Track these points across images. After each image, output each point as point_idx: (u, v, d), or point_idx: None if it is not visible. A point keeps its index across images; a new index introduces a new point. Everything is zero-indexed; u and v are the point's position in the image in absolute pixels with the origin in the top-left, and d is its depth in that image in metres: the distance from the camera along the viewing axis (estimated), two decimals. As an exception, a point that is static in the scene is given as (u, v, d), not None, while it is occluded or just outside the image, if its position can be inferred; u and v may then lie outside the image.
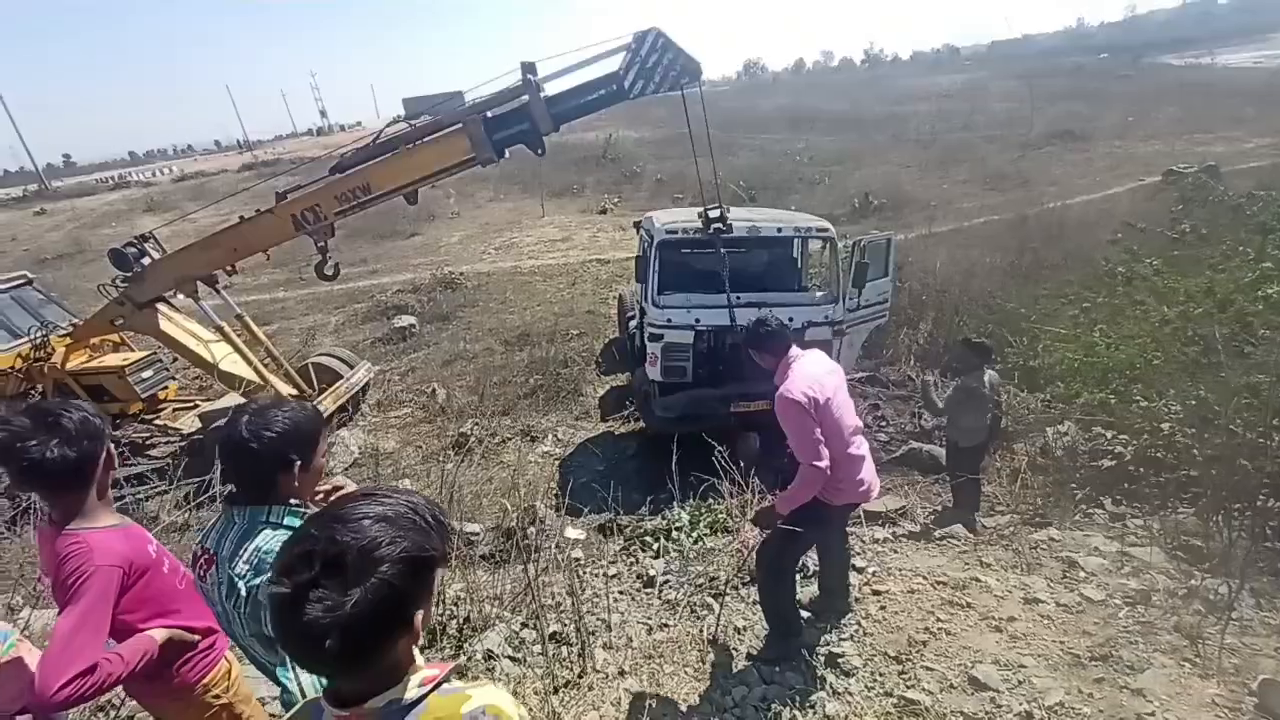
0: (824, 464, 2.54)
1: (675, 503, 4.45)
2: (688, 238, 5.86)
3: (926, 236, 12.25)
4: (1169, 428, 3.82)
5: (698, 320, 5.86)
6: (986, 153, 20.91)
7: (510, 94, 5.02)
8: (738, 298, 5.77)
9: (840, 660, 2.91)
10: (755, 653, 3.00)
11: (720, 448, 4.03)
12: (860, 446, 2.80)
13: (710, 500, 4.41)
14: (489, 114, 5.08)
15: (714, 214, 5.57)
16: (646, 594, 3.26)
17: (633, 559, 4.08)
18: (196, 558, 1.48)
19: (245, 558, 1.37)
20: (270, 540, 1.39)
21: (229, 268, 6.20)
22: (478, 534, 4.75)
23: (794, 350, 2.78)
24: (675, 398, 5.95)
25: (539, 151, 5.25)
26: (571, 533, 4.72)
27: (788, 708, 2.68)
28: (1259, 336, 4.07)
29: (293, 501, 1.49)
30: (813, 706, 2.70)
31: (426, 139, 5.27)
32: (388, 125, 5.66)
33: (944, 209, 15.61)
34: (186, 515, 4.05)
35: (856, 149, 23.47)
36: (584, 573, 3.80)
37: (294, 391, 7.14)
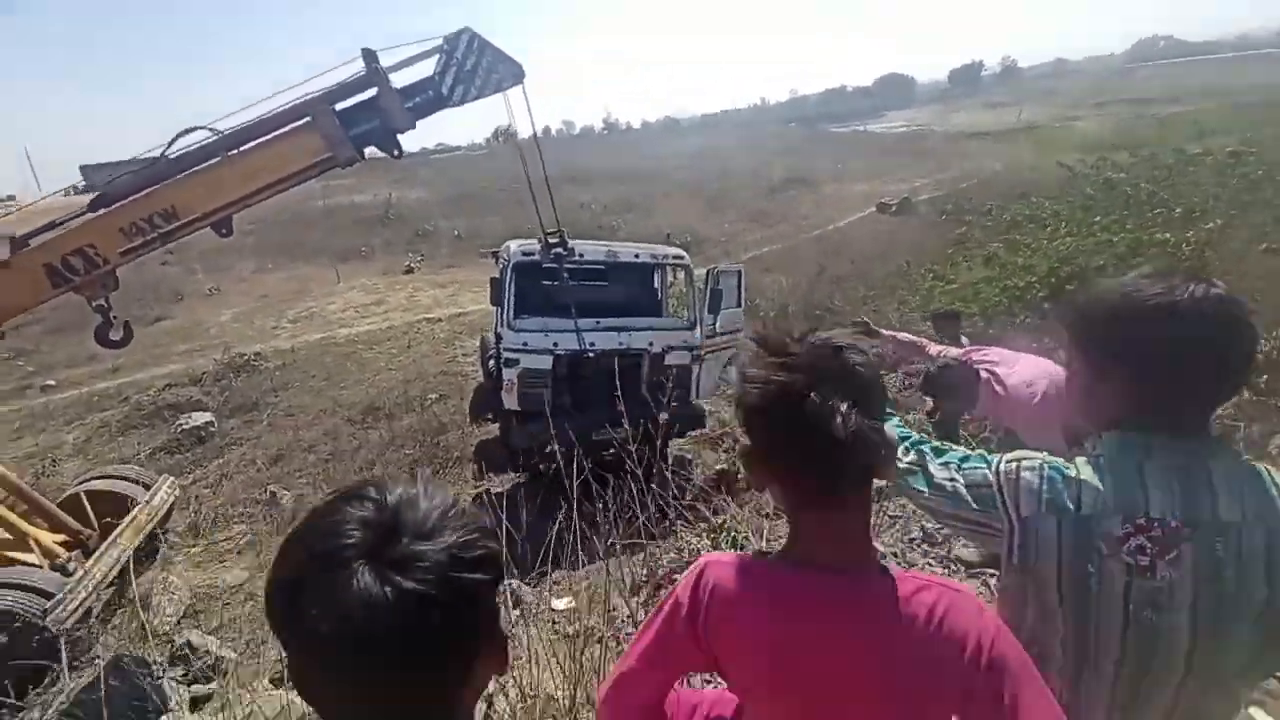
0: None
1: (680, 530, 4.13)
2: (543, 262, 5.63)
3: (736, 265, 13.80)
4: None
5: (555, 344, 5.67)
6: (745, 197, 24.53)
7: (352, 87, 4.22)
8: (597, 322, 5.76)
9: None
10: None
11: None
12: None
13: (722, 520, 4.20)
14: (337, 106, 4.13)
15: (554, 239, 5.41)
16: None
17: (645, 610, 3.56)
18: (1146, 536, 0.87)
19: (1246, 507, 0.88)
20: (1242, 476, 0.89)
21: None
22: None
23: (983, 374, 2.38)
24: (536, 425, 5.49)
25: (395, 153, 4.44)
26: (559, 604, 4.04)
27: None
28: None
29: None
30: None
31: (263, 139, 4.06)
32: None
33: (733, 242, 17.81)
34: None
35: (639, 199, 25.59)
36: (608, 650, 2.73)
37: (64, 539, 5.05)
